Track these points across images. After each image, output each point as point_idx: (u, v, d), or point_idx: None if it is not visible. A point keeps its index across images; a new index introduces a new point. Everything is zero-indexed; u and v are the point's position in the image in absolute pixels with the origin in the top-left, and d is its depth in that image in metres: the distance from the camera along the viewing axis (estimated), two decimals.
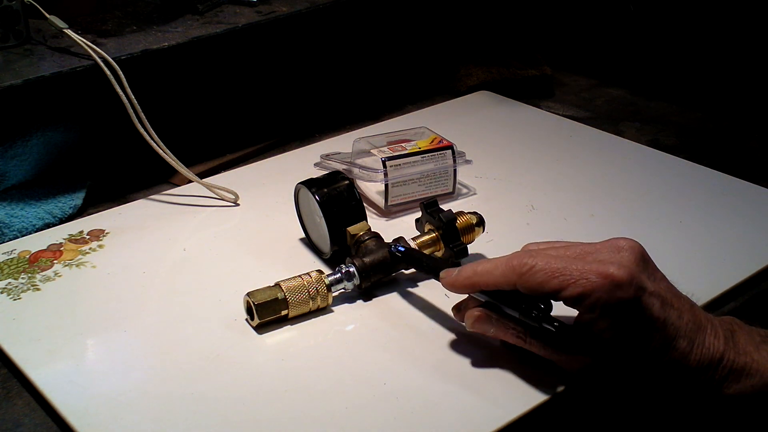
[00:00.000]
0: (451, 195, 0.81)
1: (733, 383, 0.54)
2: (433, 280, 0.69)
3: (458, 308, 0.62)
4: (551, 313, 0.56)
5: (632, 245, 0.55)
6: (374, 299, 0.67)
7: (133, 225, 0.78)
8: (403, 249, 0.66)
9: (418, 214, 0.72)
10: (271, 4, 0.93)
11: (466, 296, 0.61)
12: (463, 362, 0.60)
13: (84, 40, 0.79)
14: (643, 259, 0.55)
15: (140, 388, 0.58)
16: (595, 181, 0.85)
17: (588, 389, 0.57)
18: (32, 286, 0.69)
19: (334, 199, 0.69)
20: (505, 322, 0.58)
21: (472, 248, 0.70)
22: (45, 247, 0.74)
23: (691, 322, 0.54)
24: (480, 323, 0.58)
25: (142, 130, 0.78)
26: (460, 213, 0.70)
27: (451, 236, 0.68)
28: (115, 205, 0.82)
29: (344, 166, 0.82)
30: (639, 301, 0.53)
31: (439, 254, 0.69)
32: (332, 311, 0.66)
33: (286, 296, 0.63)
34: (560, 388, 0.57)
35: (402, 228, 0.76)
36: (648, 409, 0.57)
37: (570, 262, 0.54)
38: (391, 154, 0.78)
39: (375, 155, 0.79)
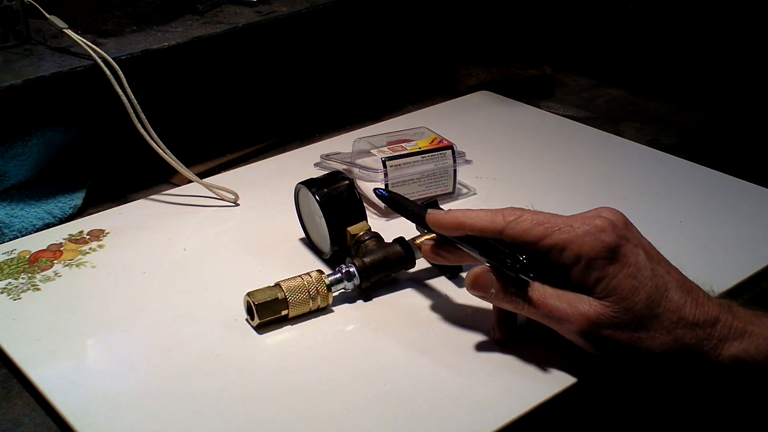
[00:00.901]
0: (451, 195, 0.81)
1: (735, 341, 0.53)
2: (434, 281, 0.69)
3: (437, 224, 0.61)
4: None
5: (614, 211, 0.57)
6: (374, 299, 0.67)
7: (133, 225, 0.78)
8: (385, 193, 0.67)
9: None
10: (271, 4, 0.93)
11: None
12: (463, 362, 0.60)
13: (84, 40, 0.79)
14: (626, 222, 0.57)
15: (140, 388, 0.58)
16: (595, 181, 0.85)
17: (590, 385, 0.57)
18: (32, 286, 0.69)
19: (334, 199, 0.69)
20: (506, 282, 0.57)
21: None
22: (45, 247, 0.74)
23: (680, 282, 0.55)
24: (480, 282, 0.58)
25: (142, 130, 0.78)
26: None
27: None
28: (115, 205, 0.82)
29: (344, 166, 0.82)
30: (622, 248, 0.54)
31: None
32: (332, 311, 0.66)
33: (286, 296, 0.63)
34: (560, 389, 0.57)
35: (402, 228, 0.75)
36: (648, 382, 0.57)
37: (555, 216, 0.56)
38: (391, 154, 0.78)
39: (375, 155, 0.79)
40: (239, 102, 0.99)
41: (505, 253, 0.56)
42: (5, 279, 0.70)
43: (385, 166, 0.77)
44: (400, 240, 0.68)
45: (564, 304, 0.55)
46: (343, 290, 0.66)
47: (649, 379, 0.57)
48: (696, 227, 0.77)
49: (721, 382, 0.55)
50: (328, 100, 1.05)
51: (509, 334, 0.60)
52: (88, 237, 0.76)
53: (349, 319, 0.65)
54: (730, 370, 0.54)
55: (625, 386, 0.58)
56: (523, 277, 0.56)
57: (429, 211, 0.61)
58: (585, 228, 0.54)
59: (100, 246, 0.75)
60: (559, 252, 0.55)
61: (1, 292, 0.68)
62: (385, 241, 0.69)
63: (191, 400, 0.57)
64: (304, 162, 0.88)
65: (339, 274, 0.65)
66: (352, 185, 0.70)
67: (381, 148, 0.80)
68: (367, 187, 0.81)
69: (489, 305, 0.62)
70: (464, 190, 0.83)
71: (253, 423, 0.55)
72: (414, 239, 0.69)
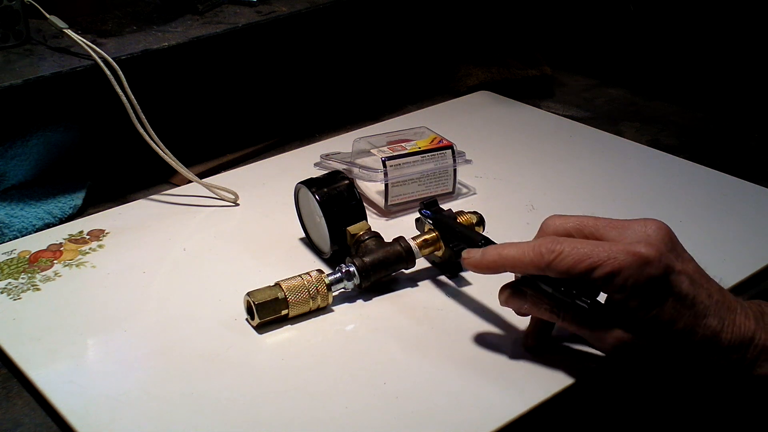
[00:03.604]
0: (451, 195, 0.81)
1: (766, 363, 0.54)
2: (434, 280, 0.69)
3: (477, 264, 0.60)
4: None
5: (660, 225, 0.56)
6: (374, 299, 0.67)
7: (133, 225, 0.78)
8: (430, 213, 0.66)
9: (418, 214, 0.72)
10: (271, 4, 0.93)
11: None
12: (463, 362, 0.60)
13: (84, 40, 0.79)
14: (671, 239, 0.55)
15: (140, 388, 0.58)
16: (595, 181, 0.85)
17: (589, 385, 0.57)
18: (32, 286, 0.69)
19: (334, 199, 0.69)
20: (539, 297, 0.57)
21: None
22: (45, 247, 0.74)
23: (720, 302, 0.54)
24: (514, 299, 0.58)
25: (142, 130, 0.78)
26: (460, 213, 0.70)
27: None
28: (115, 205, 0.82)
29: (344, 166, 0.82)
30: (668, 279, 0.53)
31: (439, 254, 0.69)
32: (332, 311, 0.66)
33: (286, 296, 0.63)
34: (559, 389, 0.57)
35: (402, 228, 0.76)
36: (678, 390, 0.57)
37: (597, 246, 0.54)
38: (391, 154, 0.78)
39: (375, 155, 0.79)
40: (239, 102, 0.99)
41: (559, 284, 0.56)
42: (5, 279, 0.70)
43: (385, 165, 0.77)
44: (400, 240, 0.68)
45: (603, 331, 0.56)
46: (343, 290, 0.66)
47: (676, 383, 0.57)
48: (696, 227, 0.77)
49: (756, 395, 0.55)
50: (328, 100, 1.05)
51: (541, 343, 0.60)
52: (88, 237, 0.76)
53: (349, 319, 0.65)
54: (760, 385, 0.54)
55: (628, 386, 0.58)
56: (579, 303, 0.56)
57: (464, 252, 0.60)
58: (630, 259, 0.53)
59: (100, 246, 0.75)
60: (605, 283, 0.54)
61: (1, 292, 0.68)
62: (385, 240, 0.69)
63: (191, 400, 0.57)
64: (304, 162, 0.88)
65: (339, 274, 0.65)
66: (352, 185, 0.70)
67: (381, 148, 0.80)
68: (367, 187, 0.81)
69: (488, 304, 0.62)
70: (464, 190, 0.83)
71: (253, 423, 0.55)
72: (414, 239, 0.69)
